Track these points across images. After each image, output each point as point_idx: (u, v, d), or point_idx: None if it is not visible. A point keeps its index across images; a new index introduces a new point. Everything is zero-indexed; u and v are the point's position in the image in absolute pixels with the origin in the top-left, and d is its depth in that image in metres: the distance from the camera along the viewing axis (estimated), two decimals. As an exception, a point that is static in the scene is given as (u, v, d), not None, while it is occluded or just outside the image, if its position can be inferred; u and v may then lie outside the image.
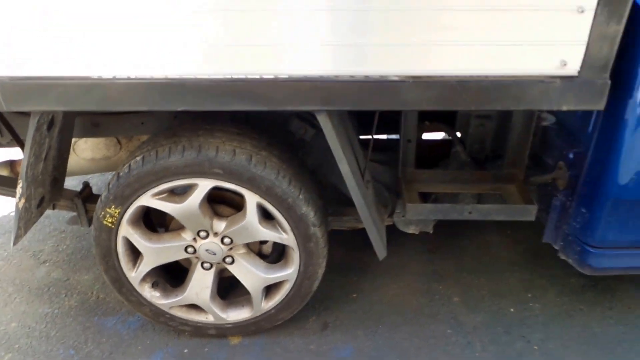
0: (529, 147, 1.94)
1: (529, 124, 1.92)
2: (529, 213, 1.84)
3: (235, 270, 1.89)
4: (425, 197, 2.11)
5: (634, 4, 1.50)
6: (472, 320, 2.08)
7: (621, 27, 1.44)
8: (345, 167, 1.65)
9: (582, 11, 1.41)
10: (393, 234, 2.11)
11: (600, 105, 1.54)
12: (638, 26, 1.53)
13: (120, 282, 1.90)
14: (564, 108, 1.54)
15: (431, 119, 2.16)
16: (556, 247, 2.01)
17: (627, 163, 1.67)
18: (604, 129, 1.70)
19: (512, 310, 2.14)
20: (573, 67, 1.48)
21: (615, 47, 1.46)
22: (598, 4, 1.40)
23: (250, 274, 1.88)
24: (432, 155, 2.20)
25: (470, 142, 2.07)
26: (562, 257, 1.99)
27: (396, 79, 1.45)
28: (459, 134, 2.15)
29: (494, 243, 2.52)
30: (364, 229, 1.83)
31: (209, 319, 1.99)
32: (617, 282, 2.26)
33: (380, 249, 1.85)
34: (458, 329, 2.05)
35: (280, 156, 1.75)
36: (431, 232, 2.17)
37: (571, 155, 1.87)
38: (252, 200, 1.72)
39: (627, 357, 1.93)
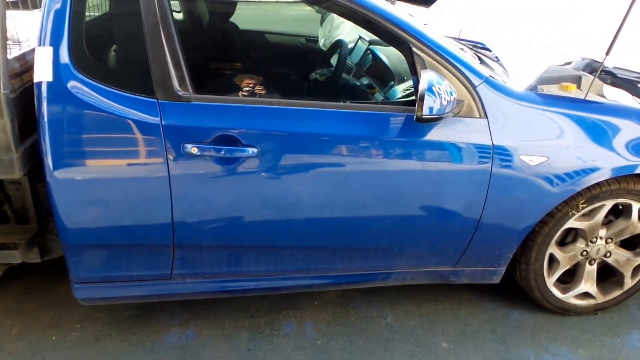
0: (33, 207, 2.50)
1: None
2: (11, 257, 2.38)
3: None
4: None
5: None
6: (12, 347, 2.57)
7: (6, 121, 2.03)
8: None
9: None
10: None
11: (16, 175, 2.11)
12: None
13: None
14: (-15, 177, 2.12)
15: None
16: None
17: (64, 219, 2.23)
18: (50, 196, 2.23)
19: (54, 338, 2.63)
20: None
21: (10, 135, 2.06)
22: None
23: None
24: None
25: (14, 202, 2.60)
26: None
27: None
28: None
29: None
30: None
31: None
32: (159, 312, 2.82)
33: None
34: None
35: None
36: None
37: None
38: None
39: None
